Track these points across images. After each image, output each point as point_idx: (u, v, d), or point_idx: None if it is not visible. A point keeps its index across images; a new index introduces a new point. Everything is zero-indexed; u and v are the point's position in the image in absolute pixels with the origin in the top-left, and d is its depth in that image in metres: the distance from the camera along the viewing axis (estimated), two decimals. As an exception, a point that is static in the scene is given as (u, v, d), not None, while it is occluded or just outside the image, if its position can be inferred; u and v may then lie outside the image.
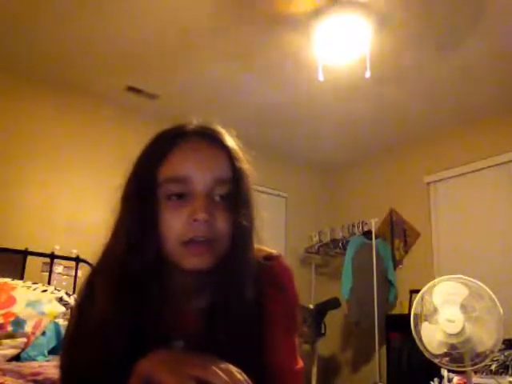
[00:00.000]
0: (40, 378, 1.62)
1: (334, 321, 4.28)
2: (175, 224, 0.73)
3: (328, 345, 4.48)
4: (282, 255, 0.88)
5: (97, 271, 0.81)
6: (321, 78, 2.90)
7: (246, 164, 0.81)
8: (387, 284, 4.26)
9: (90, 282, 0.81)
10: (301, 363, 0.81)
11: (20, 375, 1.63)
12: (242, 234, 0.77)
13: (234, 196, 0.76)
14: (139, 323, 0.72)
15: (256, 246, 0.82)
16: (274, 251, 0.87)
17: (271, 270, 0.83)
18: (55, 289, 2.62)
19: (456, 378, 2.78)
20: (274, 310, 0.80)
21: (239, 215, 0.76)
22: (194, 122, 0.82)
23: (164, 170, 0.75)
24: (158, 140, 0.80)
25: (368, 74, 2.83)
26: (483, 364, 2.46)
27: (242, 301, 0.75)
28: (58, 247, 3.19)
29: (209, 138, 0.79)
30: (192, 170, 0.75)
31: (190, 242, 0.73)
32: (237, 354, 0.68)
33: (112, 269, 0.76)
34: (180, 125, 0.81)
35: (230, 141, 0.81)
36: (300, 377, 0.80)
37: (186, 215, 0.73)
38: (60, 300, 2.49)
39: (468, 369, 2.46)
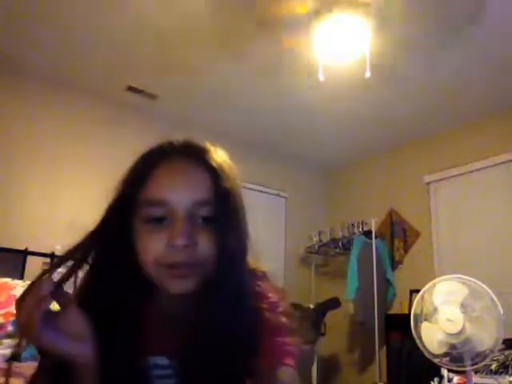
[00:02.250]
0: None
1: (334, 321, 4.28)
2: (153, 248, 0.70)
3: (328, 345, 4.48)
4: (265, 274, 0.84)
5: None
6: (321, 77, 2.90)
7: (233, 182, 0.76)
8: (386, 283, 4.26)
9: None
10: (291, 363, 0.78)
11: (21, 376, 1.63)
12: (228, 256, 0.72)
13: (218, 218, 0.72)
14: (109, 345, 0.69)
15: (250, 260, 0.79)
16: (258, 269, 0.83)
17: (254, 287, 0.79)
18: (55, 289, 2.62)
19: (456, 378, 2.78)
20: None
21: (224, 237, 0.72)
22: (179, 140, 0.78)
23: (144, 192, 0.73)
24: (140, 161, 0.77)
25: (368, 74, 2.83)
26: (483, 364, 2.46)
27: (230, 323, 0.72)
28: (58, 247, 3.19)
29: (191, 157, 0.76)
30: (169, 192, 0.72)
31: (170, 266, 0.70)
32: (223, 372, 0.68)
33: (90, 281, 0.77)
34: (162, 144, 0.78)
35: (217, 159, 0.77)
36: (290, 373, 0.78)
37: (165, 239, 0.70)
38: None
39: (468, 368, 2.46)
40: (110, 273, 0.75)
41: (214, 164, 0.76)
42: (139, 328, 0.74)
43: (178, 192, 0.72)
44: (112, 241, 0.74)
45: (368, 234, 4.28)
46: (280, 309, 0.78)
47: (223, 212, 0.73)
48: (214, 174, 0.75)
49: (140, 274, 0.73)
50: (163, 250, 0.70)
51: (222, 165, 0.77)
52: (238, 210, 0.76)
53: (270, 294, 0.79)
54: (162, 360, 0.75)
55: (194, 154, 0.76)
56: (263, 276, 0.83)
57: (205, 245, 0.71)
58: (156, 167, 0.75)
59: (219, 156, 0.78)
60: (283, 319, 0.77)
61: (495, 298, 2.40)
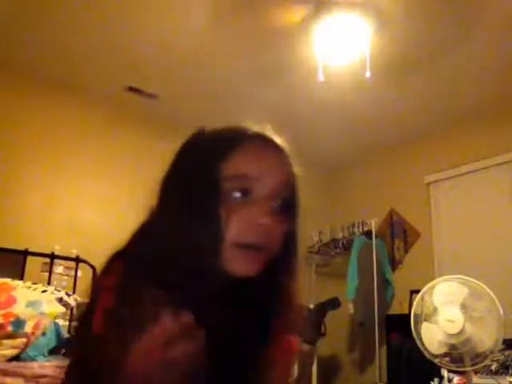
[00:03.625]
0: (42, 380, 1.62)
1: (334, 321, 4.27)
2: (233, 224, 0.67)
3: (328, 345, 4.47)
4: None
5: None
6: (321, 77, 2.90)
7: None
8: (385, 283, 4.26)
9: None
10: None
11: (21, 376, 1.63)
12: (293, 244, 0.73)
13: (293, 203, 0.73)
14: None
15: None
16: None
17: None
18: (55, 289, 2.63)
19: (456, 378, 2.78)
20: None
21: (294, 224, 0.72)
22: (251, 126, 0.79)
23: (228, 167, 0.69)
24: (218, 137, 0.76)
25: (368, 74, 2.83)
26: (483, 364, 2.46)
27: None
28: (57, 247, 3.19)
29: (269, 140, 0.78)
30: (258, 168, 0.71)
31: (245, 246, 0.67)
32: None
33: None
34: (239, 126, 0.79)
35: (286, 148, 0.79)
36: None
37: (247, 216, 0.67)
38: (60, 300, 2.49)
39: (468, 369, 2.46)
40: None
41: (287, 151, 0.78)
42: None
43: (267, 169, 0.72)
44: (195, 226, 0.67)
45: (368, 234, 4.27)
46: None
47: (297, 198, 0.75)
48: (289, 160, 0.77)
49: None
50: (243, 228, 0.67)
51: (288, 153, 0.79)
52: (300, 198, 0.77)
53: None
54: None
55: (271, 140, 0.78)
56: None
57: (277, 228, 0.70)
58: (239, 145, 0.73)
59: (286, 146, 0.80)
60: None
61: (495, 299, 2.40)
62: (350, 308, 4.12)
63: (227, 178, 0.69)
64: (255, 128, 0.79)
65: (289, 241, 0.72)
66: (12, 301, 2.35)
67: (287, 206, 0.72)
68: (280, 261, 0.71)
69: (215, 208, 0.67)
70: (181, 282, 0.64)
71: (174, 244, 0.67)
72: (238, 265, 0.67)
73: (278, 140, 0.79)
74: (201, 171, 0.70)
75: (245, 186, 0.69)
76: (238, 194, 0.68)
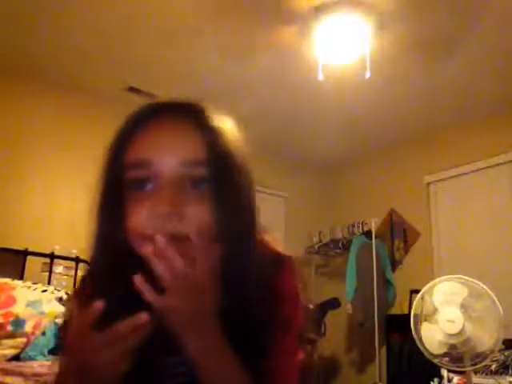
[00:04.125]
0: (42, 379, 1.63)
1: (334, 321, 4.27)
2: (137, 218, 0.61)
3: (328, 345, 4.47)
4: (292, 259, 0.75)
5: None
6: (321, 77, 2.90)
7: (234, 143, 0.67)
8: (386, 284, 4.26)
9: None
10: (299, 358, 0.70)
11: (21, 375, 1.63)
12: (230, 225, 0.63)
13: (215, 181, 0.62)
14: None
15: (263, 238, 0.69)
16: (283, 252, 0.74)
17: (274, 277, 0.69)
18: (55, 289, 2.63)
19: (456, 378, 2.78)
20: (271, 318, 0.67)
21: (223, 203, 0.62)
22: (171, 98, 0.71)
23: (127, 155, 0.65)
24: (126, 121, 0.68)
25: (368, 74, 2.83)
26: (483, 364, 2.46)
27: (239, 304, 0.63)
28: (57, 247, 3.19)
29: (183, 115, 0.67)
30: (153, 151, 0.63)
31: (152, 239, 0.59)
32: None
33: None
34: (149, 103, 0.70)
35: (212, 118, 0.67)
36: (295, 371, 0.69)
37: (148, 207, 0.60)
38: (60, 300, 2.50)
39: (468, 369, 2.46)
40: (107, 260, 0.66)
41: (209, 122, 0.66)
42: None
43: (163, 150, 0.62)
44: (108, 222, 0.66)
45: (368, 234, 4.27)
46: (297, 308, 0.71)
47: (221, 174, 0.63)
48: (209, 132, 0.65)
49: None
50: (145, 220, 0.60)
51: (220, 124, 0.67)
52: (238, 174, 0.65)
53: (292, 287, 0.71)
54: (176, 358, 0.69)
55: (186, 112, 0.68)
56: (288, 265, 0.74)
57: (196, 213, 0.61)
58: (142, 126, 0.66)
59: (217, 116, 0.69)
60: (298, 320, 0.70)
61: (495, 299, 2.40)
62: (349, 308, 4.12)
63: (128, 166, 0.64)
64: (167, 100, 0.70)
65: (228, 218, 0.62)
66: (12, 300, 2.35)
67: (207, 186, 0.62)
68: (228, 243, 0.62)
69: (117, 201, 0.64)
70: (102, 281, 0.65)
71: (91, 241, 0.67)
72: (153, 260, 0.59)
73: (196, 112, 0.68)
74: (109, 164, 0.67)
75: (144, 173, 0.62)
76: (138, 183, 0.63)
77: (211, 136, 0.65)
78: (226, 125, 0.69)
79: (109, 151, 0.69)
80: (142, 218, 0.61)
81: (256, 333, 0.64)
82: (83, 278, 0.76)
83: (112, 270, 0.65)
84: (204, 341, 0.60)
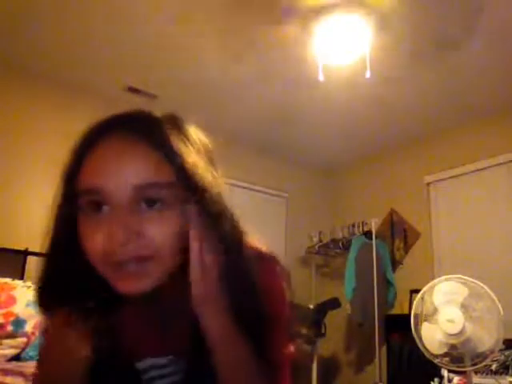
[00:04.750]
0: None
1: (334, 321, 4.28)
2: (94, 245, 0.60)
3: (328, 345, 4.48)
4: (275, 257, 0.74)
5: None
6: (321, 77, 2.90)
7: (196, 154, 0.64)
8: (387, 284, 4.26)
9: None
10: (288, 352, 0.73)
11: (22, 376, 1.63)
12: (213, 236, 0.62)
13: (174, 199, 0.61)
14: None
15: (248, 239, 0.69)
16: (266, 251, 0.74)
17: (258, 274, 0.68)
18: (55, 289, 2.62)
19: (456, 378, 2.78)
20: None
21: (189, 220, 0.61)
22: (124, 111, 0.66)
23: (79, 179, 0.62)
24: (78, 142, 0.66)
25: (368, 74, 2.83)
26: (483, 364, 2.46)
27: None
28: (58, 247, 3.18)
29: (134, 131, 0.62)
30: (103, 178, 0.60)
31: (115, 264, 0.59)
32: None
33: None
34: (104, 119, 0.66)
35: (164, 130, 0.63)
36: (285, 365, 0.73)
37: (104, 232, 0.59)
38: (60, 300, 2.49)
39: (468, 369, 2.45)
40: (69, 281, 0.66)
41: (163, 137, 0.62)
42: (121, 332, 0.69)
43: (112, 176, 0.60)
44: (64, 245, 0.67)
45: (368, 234, 4.27)
46: (284, 302, 0.72)
47: (181, 190, 0.61)
48: (162, 147, 0.61)
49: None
50: (105, 248, 0.59)
51: (176, 138, 0.63)
52: (202, 188, 0.62)
53: (276, 284, 0.72)
54: (159, 360, 0.72)
55: (135, 127, 0.63)
56: (272, 260, 0.74)
57: (156, 231, 0.59)
58: (92, 147, 0.63)
59: (175, 128, 0.65)
60: (285, 314, 0.72)
61: (495, 299, 2.40)
62: (348, 308, 4.12)
63: (80, 192, 0.62)
64: (119, 116, 0.66)
65: (210, 229, 0.61)
66: (12, 300, 2.35)
67: (160, 205, 0.60)
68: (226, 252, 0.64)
69: (69, 227, 0.64)
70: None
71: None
72: (120, 284, 0.61)
73: (148, 127, 0.63)
74: (63, 188, 0.66)
75: (96, 198, 0.60)
76: (93, 207, 0.61)
77: (166, 152, 0.61)
78: (189, 133, 0.67)
79: (62, 176, 0.66)
80: (100, 244, 0.60)
81: (247, 329, 0.66)
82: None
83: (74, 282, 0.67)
84: (224, 321, 0.64)
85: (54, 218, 0.69)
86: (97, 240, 0.60)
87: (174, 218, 0.61)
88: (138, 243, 0.59)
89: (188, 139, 0.65)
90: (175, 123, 0.66)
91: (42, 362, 0.68)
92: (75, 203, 0.63)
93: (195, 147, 0.65)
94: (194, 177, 0.61)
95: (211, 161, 0.68)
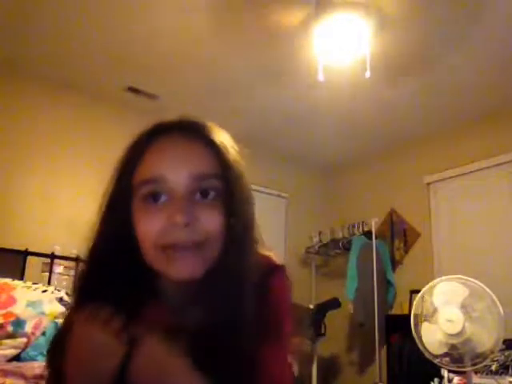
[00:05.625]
0: (43, 381, 1.62)
1: (334, 321, 4.28)
2: (152, 229, 0.65)
3: (328, 345, 4.47)
4: (285, 267, 0.77)
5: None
6: (321, 78, 2.90)
7: (237, 159, 0.73)
8: (387, 284, 4.26)
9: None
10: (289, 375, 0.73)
11: (22, 377, 1.63)
12: (236, 234, 0.67)
13: (223, 192, 0.68)
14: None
15: (259, 249, 0.73)
16: (277, 261, 0.76)
17: (265, 285, 0.71)
18: (55, 289, 2.63)
19: (456, 379, 2.78)
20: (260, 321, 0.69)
21: (231, 213, 0.67)
22: (176, 117, 0.75)
23: (140, 171, 0.69)
24: (136, 139, 0.74)
25: (368, 74, 2.83)
26: (483, 364, 2.46)
27: (238, 318, 0.65)
28: (58, 247, 3.19)
29: (189, 132, 0.72)
30: (166, 168, 0.67)
31: (171, 247, 0.65)
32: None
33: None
34: (159, 122, 0.75)
35: (217, 135, 0.73)
36: None
37: (164, 219, 0.65)
38: (60, 300, 2.49)
39: (468, 369, 2.45)
40: (109, 268, 0.70)
41: (214, 138, 0.72)
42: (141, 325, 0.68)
43: (175, 166, 0.68)
44: (112, 233, 0.70)
45: (368, 234, 4.27)
46: (287, 312, 0.73)
47: (229, 186, 0.68)
48: (215, 147, 0.70)
49: (142, 269, 0.69)
50: (162, 230, 0.65)
51: (224, 141, 0.73)
52: (244, 187, 0.71)
53: (279, 294, 0.73)
54: None
55: (191, 130, 0.72)
56: (282, 270, 0.76)
57: (209, 221, 0.66)
58: (151, 145, 0.71)
59: (221, 134, 0.74)
60: (287, 324, 0.72)
61: (495, 299, 2.40)
62: (350, 308, 4.11)
63: (139, 184, 0.68)
64: (174, 120, 0.75)
65: (229, 230, 0.67)
66: (12, 301, 2.35)
67: (216, 197, 0.67)
68: (226, 253, 0.67)
69: (126, 216, 0.68)
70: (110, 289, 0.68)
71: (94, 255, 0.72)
72: (172, 267, 0.65)
73: (201, 129, 0.73)
74: (120, 181, 0.71)
75: (155, 189, 0.67)
76: (151, 199, 0.67)
77: (217, 150, 0.70)
78: (227, 140, 0.75)
79: (120, 167, 0.73)
80: (158, 228, 0.65)
81: (249, 340, 0.66)
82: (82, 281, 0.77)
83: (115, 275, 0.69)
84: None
85: (103, 214, 0.72)
86: (154, 223, 0.65)
87: (222, 209, 0.67)
88: (196, 228, 0.65)
89: (228, 143, 0.74)
90: (214, 128, 0.75)
91: (71, 362, 0.64)
92: (132, 195, 0.69)
93: (233, 151, 0.74)
94: (235, 173, 0.70)
95: (241, 160, 0.76)
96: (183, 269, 0.65)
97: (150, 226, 0.66)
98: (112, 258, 0.70)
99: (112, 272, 0.70)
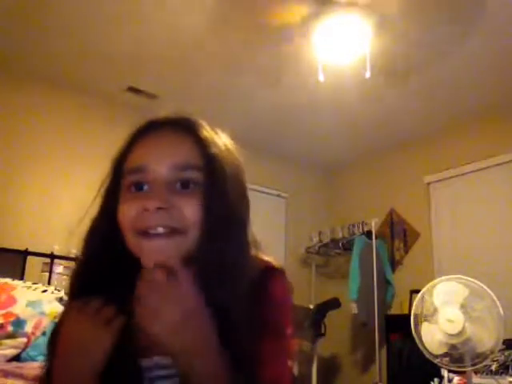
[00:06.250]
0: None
1: (334, 321, 4.27)
2: (128, 214, 0.68)
3: (328, 345, 4.47)
4: (284, 271, 0.76)
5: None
6: (321, 78, 2.90)
7: (228, 156, 0.75)
8: (386, 284, 4.26)
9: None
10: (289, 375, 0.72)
11: (22, 378, 1.63)
12: (215, 227, 0.67)
13: (204, 182, 0.69)
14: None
15: (255, 254, 0.74)
16: (276, 264, 0.76)
17: (265, 285, 0.71)
18: (55, 289, 2.63)
19: (456, 379, 2.78)
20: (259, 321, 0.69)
21: (210, 205, 0.67)
22: (167, 113, 0.78)
23: (127, 162, 0.73)
24: (130, 134, 0.78)
25: (368, 74, 2.83)
26: (483, 364, 2.46)
27: (225, 304, 0.65)
28: (57, 247, 3.19)
29: (179, 127, 0.75)
30: (148, 158, 0.71)
31: (144, 232, 0.67)
32: None
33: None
34: (153, 117, 0.78)
35: (207, 131, 0.75)
36: None
37: (140, 205, 0.67)
38: (60, 300, 2.50)
39: (468, 369, 2.46)
40: (99, 261, 0.73)
41: (202, 132, 0.74)
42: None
43: (157, 157, 0.70)
44: (103, 226, 0.73)
45: (368, 234, 4.27)
46: (287, 314, 0.73)
47: (211, 177, 0.70)
48: (201, 141, 0.73)
49: (132, 260, 0.70)
50: (137, 216, 0.67)
51: (214, 138, 0.75)
52: (227, 182, 0.71)
53: (279, 294, 0.73)
54: (164, 360, 0.71)
55: (181, 125, 0.75)
56: (281, 272, 0.76)
57: (185, 207, 0.67)
58: (141, 138, 0.75)
59: (213, 131, 0.77)
60: (287, 325, 0.72)
61: (495, 299, 2.40)
62: (354, 308, 4.09)
63: (127, 171, 0.72)
64: (164, 116, 0.78)
65: (209, 218, 0.67)
66: (12, 301, 2.35)
67: (196, 187, 0.69)
68: (206, 242, 0.67)
69: (114, 202, 0.71)
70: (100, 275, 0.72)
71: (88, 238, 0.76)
72: (146, 254, 0.67)
73: (189, 124, 0.75)
74: (112, 172, 0.76)
75: (137, 177, 0.70)
76: (133, 188, 0.70)
77: (203, 144, 0.72)
78: (220, 138, 0.77)
79: (113, 160, 0.77)
80: (134, 213, 0.68)
81: (247, 339, 0.66)
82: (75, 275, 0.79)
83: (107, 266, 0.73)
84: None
85: (98, 207, 0.76)
86: (132, 208, 0.68)
87: (200, 200, 0.68)
88: (171, 214, 0.66)
89: (217, 136, 0.77)
90: (206, 126, 0.77)
91: (58, 355, 0.68)
92: (120, 184, 0.72)
93: (221, 144, 0.76)
94: (219, 167, 0.71)
95: (235, 158, 0.78)
96: (154, 254, 0.66)
97: (127, 212, 0.68)
98: (102, 249, 0.73)
99: (102, 264, 0.72)
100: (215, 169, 0.70)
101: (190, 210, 0.67)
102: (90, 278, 0.73)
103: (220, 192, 0.69)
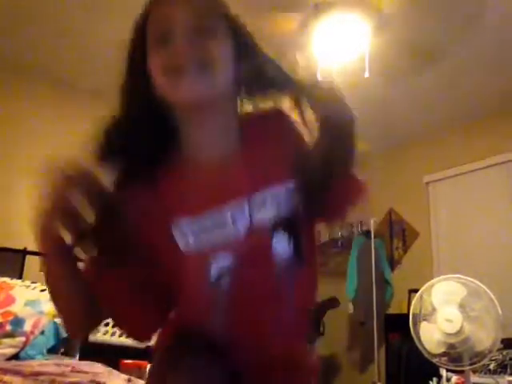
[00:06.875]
0: (41, 378, 1.62)
1: (333, 320, 4.28)
2: (159, 57, 0.70)
3: (327, 344, 4.48)
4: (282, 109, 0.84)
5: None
6: (320, 78, 2.90)
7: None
8: (385, 283, 4.27)
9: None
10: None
11: (20, 374, 1.63)
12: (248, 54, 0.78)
13: (231, 29, 0.77)
14: None
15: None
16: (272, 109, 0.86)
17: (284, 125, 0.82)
18: (54, 288, 2.62)
19: (455, 378, 2.78)
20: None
21: (239, 44, 0.76)
22: None
23: (150, 18, 0.75)
24: None
25: (367, 74, 2.83)
26: (482, 363, 2.46)
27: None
28: (57, 246, 3.18)
29: None
30: (170, 6, 0.73)
31: (176, 69, 0.69)
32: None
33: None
34: None
35: None
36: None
37: (171, 47, 0.70)
38: (59, 299, 2.49)
39: (466, 368, 2.46)
40: (131, 117, 0.75)
41: None
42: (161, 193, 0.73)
43: (180, 4, 0.72)
44: (135, 89, 0.74)
45: (367, 233, 4.27)
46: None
47: (235, 25, 0.79)
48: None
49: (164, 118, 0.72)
50: (168, 55, 0.69)
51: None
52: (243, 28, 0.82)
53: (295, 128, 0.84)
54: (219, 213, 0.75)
55: None
56: (283, 112, 0.87)
57: (215, 48, 0.71)
58: None
59: None
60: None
61: (494, 298, 2.40)
62: (350, 308, 4.11)
63: (150, 28, 0.74)
64: None
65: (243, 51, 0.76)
66: (11, 300, 2.35)
67: (222, 31, 0.74)
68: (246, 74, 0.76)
69: (142, 60, 0.72)
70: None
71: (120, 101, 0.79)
72: (178, 89, 0.69)
73: None
74: (135, 30, 0.78)
75: (162, 28, 0.71)
76: (159, 38, 0.71)
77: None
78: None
79: (133, 26, 0.79)
80: (163, 56, 0.69)
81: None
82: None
83: (139, 126, 0.74)
84: None
85: (125, 68, 0.77)
86: (161, 53, 0.69)
87: (230, 48, 0.74)
88: (200, 50, 0.69)
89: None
90: None
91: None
92: (146, 41, 0.73)
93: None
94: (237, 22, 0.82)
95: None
96: (187, 91, 0.69)
97: (157, 56, 0.70)
98: (137, 109, 0.75)
99: (137, 124, 0.74)
100: (235, 15, 0.79)
101: (218, 50, 0.71)
102: (122, 137, 0.77)
103: (248, 42, 0.83)
